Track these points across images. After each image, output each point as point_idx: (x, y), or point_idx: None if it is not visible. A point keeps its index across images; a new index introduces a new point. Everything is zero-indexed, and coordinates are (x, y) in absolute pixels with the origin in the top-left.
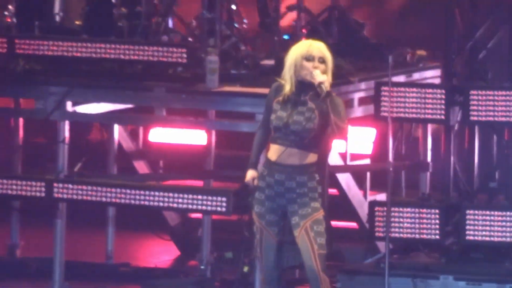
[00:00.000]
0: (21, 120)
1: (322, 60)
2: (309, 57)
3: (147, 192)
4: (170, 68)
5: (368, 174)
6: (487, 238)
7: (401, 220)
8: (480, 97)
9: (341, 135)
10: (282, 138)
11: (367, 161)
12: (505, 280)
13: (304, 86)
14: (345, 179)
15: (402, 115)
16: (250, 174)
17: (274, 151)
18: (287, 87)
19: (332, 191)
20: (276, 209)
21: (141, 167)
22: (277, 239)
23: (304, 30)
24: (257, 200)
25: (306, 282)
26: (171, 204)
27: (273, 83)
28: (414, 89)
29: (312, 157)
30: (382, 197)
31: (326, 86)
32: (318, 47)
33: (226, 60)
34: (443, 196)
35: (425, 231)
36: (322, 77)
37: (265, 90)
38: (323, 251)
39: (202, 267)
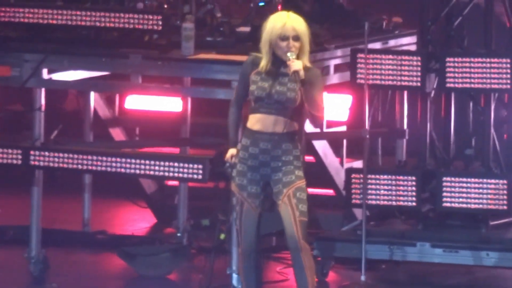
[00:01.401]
0: None
1: (297, 38)
2: (283, 37)
3: (123, 160)
4: (145, 35)
5: (345, 141)
6: (464, 205)
7: (378, 187)
8: (456, 64)
9: (316, 124)
10: (265, 107)
11: (343, 128)
12: (481, 247)
13: (283, 60)
14: (321, 146)
15: (378, 82)
16: (230, 152)
17: (256, 120)
18: (264, 62)
19: (309, 158)
20: (258, 180)
21: (117, 134)
22: (257, 211)
23: None
24: (238, 172)
25: (283, 250)
26: (147, 172)
27: (248, 57)
28: (390, 56)
29: (295, 125)
30: (358, 164)
31: (301, 74)
32: (292, 26)
33: (202, 27)
34: (419, 163)
35: (401, 198)
36: (296, 65)
37: (241, 57)
38: (304, 218)
39: (178, 234)
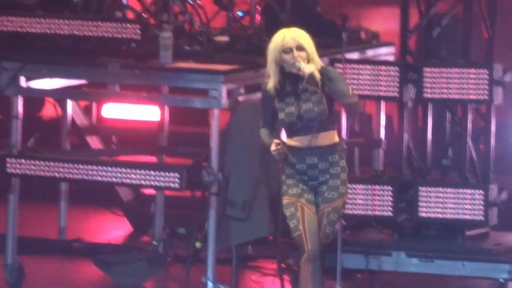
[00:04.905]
0: None
1: (301, 48)
2: (286, 49)
3: (100, 168)
4: (124, 44)
5: None
6: (440, 215)
7: (354, 196)
8: (434, 75)
9: (355, 112)
10: (301, 129)
11: None
12: (457, 257)
13: (297, 75)
14: None
15: (355, 92)
16: (274, 144)
17: (298, 141)
18: (271, 82)
19: None
20: (310, 190)
21: (94, 142)
22: (315, 217)
23: (258, 7)
24: (289, 185)
25: (259, 258)
26: (124, 180)
27: (262, 90)
28: (368, 66)
29: (335, 135)
30: None
31: (316, 74)
32: (292, 37)
33: (180, 36)
34: (396, 173)
35: (378, 207)
36: (309, 68)
37: (218, 67)
38: (325, 241)
39: (154, 242)
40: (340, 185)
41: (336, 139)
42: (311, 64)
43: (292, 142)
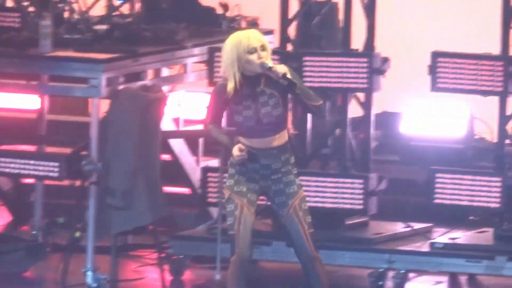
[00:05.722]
0: None
1: (263, 48)
2: (251, 50)
3: None
4: (3, 32)
5: (201, 140)
6: (320, 204)
7: None
8: (314, 63)
9: (321, 113)
10: (259, 132)
11: (200, 127)
12: (337, 246)
13: (254, 78)
14: (177, 144)
15: None
16: (236, 148)
17: (251, 143)
18: (231, 84)
19: (165, 156)
20: (257, 190)
21: None
22: (253, 219)
23: None
24: (236, 181)
25: (139, 248)
26: (2, 169)
27: (219, 84)
28: None
29: (286, 133)
30: (214, 163)
31: (289, 76)
32: (255, 37)
33: (59, 24)
34: None
35: None
36: (282, 68)
37: (98, 55)
38: (311, 229)
39: (34, 232)
40: (294, 179)
41: (287, 136)
42: (282, 64)
43: (247, 142)
